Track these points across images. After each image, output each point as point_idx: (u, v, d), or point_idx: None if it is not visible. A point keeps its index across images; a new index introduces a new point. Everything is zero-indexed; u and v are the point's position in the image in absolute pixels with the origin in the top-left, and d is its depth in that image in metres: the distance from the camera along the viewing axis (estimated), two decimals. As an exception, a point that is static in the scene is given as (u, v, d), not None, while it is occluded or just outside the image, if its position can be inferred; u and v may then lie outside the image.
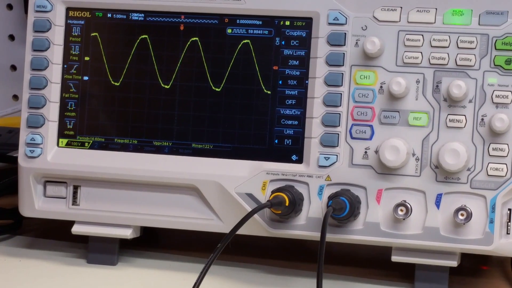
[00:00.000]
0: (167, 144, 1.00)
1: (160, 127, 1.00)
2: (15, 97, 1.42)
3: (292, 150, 0.97)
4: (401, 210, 0.93)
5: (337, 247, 0.97)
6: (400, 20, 0.94)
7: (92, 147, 1.01)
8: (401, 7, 0.94)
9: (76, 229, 1.02)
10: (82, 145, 1.02)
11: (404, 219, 0.93)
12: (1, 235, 1.09)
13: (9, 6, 1.40)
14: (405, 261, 0.95)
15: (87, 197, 1.01)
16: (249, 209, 0.94)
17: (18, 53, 1.38)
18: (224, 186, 0.97)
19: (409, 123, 0.93)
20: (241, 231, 0.91)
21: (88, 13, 1.01)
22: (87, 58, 1.01)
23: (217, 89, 0.98)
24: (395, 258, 0.95)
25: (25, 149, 1.01)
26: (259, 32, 0.98)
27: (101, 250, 1.02)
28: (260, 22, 0.97)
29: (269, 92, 0.97)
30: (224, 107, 0.98)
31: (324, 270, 0.86)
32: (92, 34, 1.01)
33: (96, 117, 1.01)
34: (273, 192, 0.94)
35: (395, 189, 0.94)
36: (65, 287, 0.96)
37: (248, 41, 0.98)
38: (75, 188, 1.01)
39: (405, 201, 0.93)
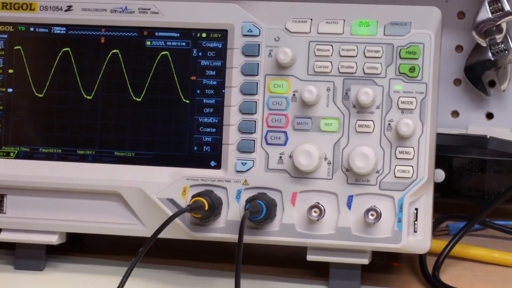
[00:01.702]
0: (91, 152, 0.98)
1: (83, 136, 0.98)
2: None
3: (211, 157, 0.96)
4: (315, 212, 0.93)
5: (255, 248, 0.96)
6: (310, 31, 0.94)
7: (17, 156, 0.99)
8: (311, 19, 0.94)
9: (2, 237, 1.00)
10: (7, 155, 0.99)
11: (318, 220, 0.93)
12: None
13: None
14: (320, 260, 0.95)
15: (13, 205, 0.99)
16: (171, 214, 0.93)
17: None
18: (146, 192, 0.96)
19: (321, 129, 0.93)
20: (163, 234, 0.90)
21: (11, 27, 0.99)
22: (11, 71, 0.99)
23: (138, 99, 0.97)
24: (310, 258, 0.95)
25: (-48, 160, 0.99)
26: (177, 44, 0.97)
27: (28, 256, 1.00)
28: (178, 34, 0.97)
29: (187, 101, 0.96)
30: (145, 116, 0.97)
31: (243, 270, 0.86)
32: (15, 48, 0.99)
33: (21, 128, 0.99)
34: (193, 197, 0.93)
35: (309, 191, 0.94)
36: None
37: (167, 52, 0.97)
38: (1, 196, 0.99)
39: (318, 203, 0.93)
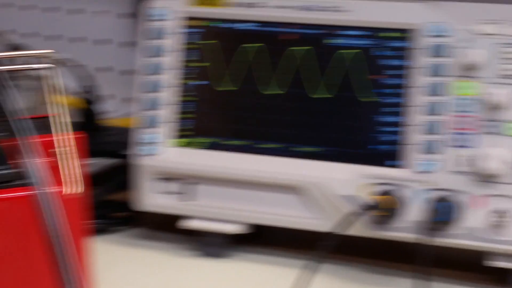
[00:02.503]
0: (276, 146, 0.98)
1: (270, 131, 0.98)
2: (128, 99, 1.40)
3: (393, 156, 0.95)
4: (500, 217, 0.89)
5: (434, 250, 0.93)
6: (500, 33, 0.91)
7: (210, 147, 1.00)
8: (502, 21, 0.91)
9: (194, 224, 1.01)
10: (196, 145, 1.01)
11: (502, 225, 0.89)
12: (118, 226, 1.09)
13: (126, 15, 1.38)
14: (500, 266, 0.92)
15: (199, 194, 1.00)
16: (351, 211, 0.92)
17: (133, 58, 1.37)
18: (328, 188, 0.95)
19: (510, 133, 0.90)
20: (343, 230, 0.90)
21: (207, 22, 1.01)
22: (206, 64, 1.00)
23: (329, 96, 0.96)
24: (489, 263, 0.92)
25: (141, 148, 1.01)
26: (360, 42, 0.95)
27: (212, 244, 1.01)
28: (362, 33, 0.95)
29: (369, 100, 0.95)
30: (330, 113, 0.96)
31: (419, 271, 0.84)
32: (211, 42, 1.00)
33: (214, 120, 1.00)
34: (375, 195, 0.92)
35: (494, 196, 0.91)
36: (179, 276, 0.96)
37: (354, 51, 0.95)
38: (188, 185, 1.00)
39: (503, 208, 0.90)
